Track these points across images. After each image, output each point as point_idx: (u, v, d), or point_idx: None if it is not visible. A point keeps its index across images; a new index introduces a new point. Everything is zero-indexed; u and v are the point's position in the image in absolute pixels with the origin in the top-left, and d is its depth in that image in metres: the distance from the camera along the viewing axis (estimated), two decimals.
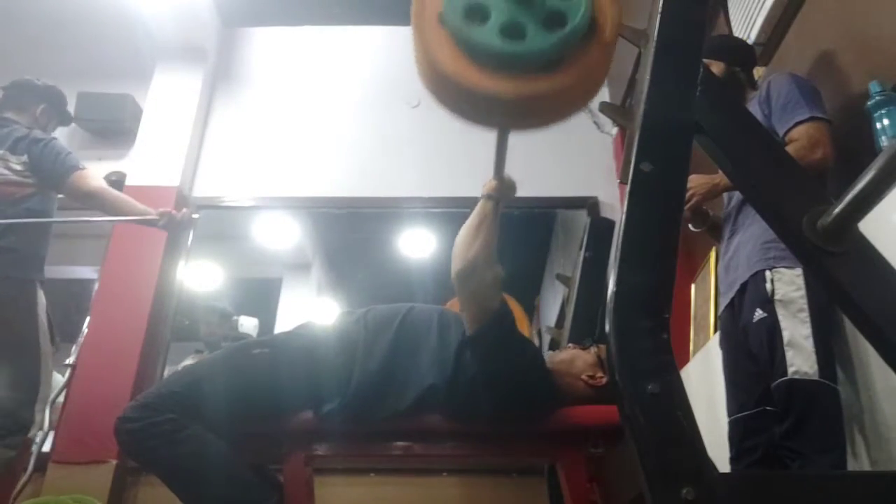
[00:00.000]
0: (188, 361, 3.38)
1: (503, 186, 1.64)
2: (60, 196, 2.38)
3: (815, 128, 1.68)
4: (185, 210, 2.51)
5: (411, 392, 1.57)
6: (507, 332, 1.61)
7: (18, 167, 2.23)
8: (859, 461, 1.50)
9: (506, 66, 0.91)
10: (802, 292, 1.61)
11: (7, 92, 2.46)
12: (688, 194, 1.84)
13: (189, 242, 3.56)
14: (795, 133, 1.69)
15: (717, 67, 1.93)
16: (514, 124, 1.22)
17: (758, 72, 2.24)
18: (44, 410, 2.16)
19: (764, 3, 2.24)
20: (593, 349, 1.78)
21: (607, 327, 0.75)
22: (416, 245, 4.86)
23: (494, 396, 1.57)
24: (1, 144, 2.25)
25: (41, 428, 2.16)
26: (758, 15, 2.29)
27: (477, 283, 1.53)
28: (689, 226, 2.08)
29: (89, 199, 2.36)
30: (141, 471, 2.72)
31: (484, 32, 0.90)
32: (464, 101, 0.97)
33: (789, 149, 1.62)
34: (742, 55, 2.04)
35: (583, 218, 3.47)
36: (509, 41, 0.89)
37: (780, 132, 1.73)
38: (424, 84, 1.00)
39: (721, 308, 1.93)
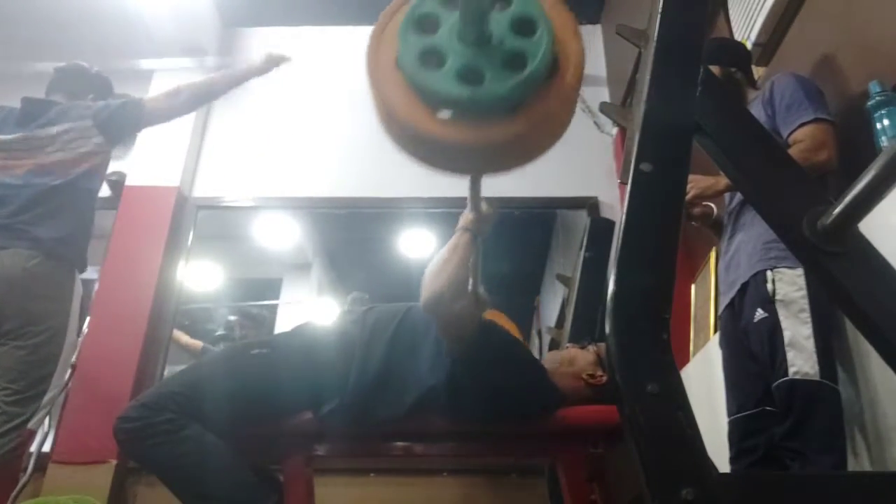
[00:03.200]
0: None
1: (480, 219, 1.60)
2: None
3: (819, 129, 1.67)
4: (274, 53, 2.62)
5: (411, 394, 1.57)
6: (490, 353, 1.58)
7: (68, 139, 2.20)
8: (859, 461, 1.50)
9: (463, 113, 0.86)
10: (803, 292, 1.61)
11: (59, 75, 2.45)
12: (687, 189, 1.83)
13: (189, 242, 3.57)
14: (800, 134, 1.69)
15: (713, 71, 1.92)
16: (476, 171, 1.19)
17: (758, 72, 2.24)
18: (51, 402, 2.14)
19: (764, 3, 2.24)
20: (592, 348, 1.78)
21: (607, 327, 0.75)
22: (416, 245, 4.86)
23: (494, 404, 1.57)
24: (50, 123, 2.23)
25: (42, 423, 2.14)
26: (758, 15, 2.29)
27: (444, 314, 1.51)
28: (692, 223, 2.08)
29: (173, 108, 2.43)
30: (141, 471, 2.72)
31: (440, 78, 0.85)
32: (423, 149, 0.92)
33: (793, 150, 1.62)
34: (736, 55, 2.04)
35: (583, 218, 3.47)
36: (465, 86, 0.84)
37: (784, 133, 1.73)
38: (384, 131, 0.96)
39: (721, 308, 1.92)
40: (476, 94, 0.84)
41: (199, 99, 2.51)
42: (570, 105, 0.93)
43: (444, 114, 0.86)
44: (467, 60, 0.85)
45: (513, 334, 1.72)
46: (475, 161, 0.97)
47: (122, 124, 2.33)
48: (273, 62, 2.63)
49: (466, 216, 1.61)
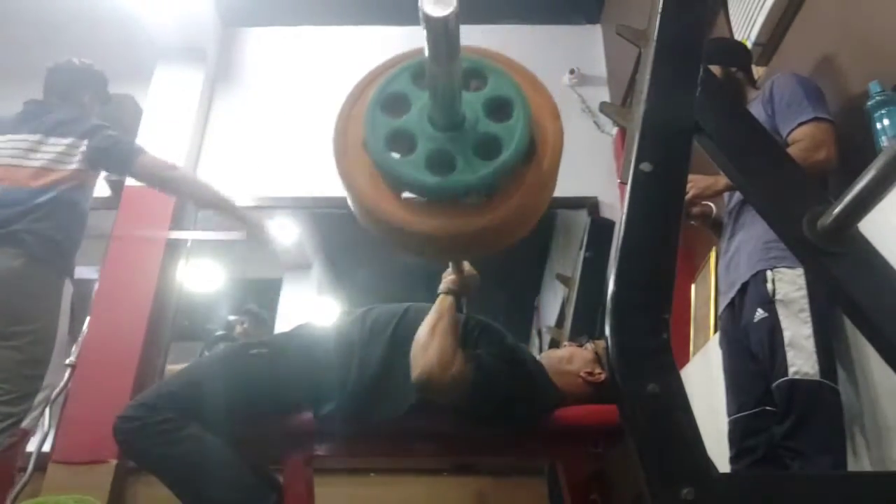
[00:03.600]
0: None
1: (463, 281, 1.59)
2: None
3: (819, 128, 1.67)
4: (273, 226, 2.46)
5: (411, 395, 1.57)
6: (490, 392, 1.53)
7: (62, 151, 2.20)
8: (859, 461, 1.50)
9: (433, 201, 0.82)
10: (803, 292, 1.61)
11: (50, 77, 2.44)
12: (687, 188, 1.83)
13: (189, 242, 3.57)
14: (799, 133, 1.69)
15: (714, 71, 1.92)
16: (451, 259, 1.15)
17: (758, 72, 2.24)
18: (45, 401, 2.14)
19: (764, 3, 2.24)
20: (590, 346, 1.78)
21: (607, 327, 0.75)
22: None
23: (494, 410, 1.56)
24: (45, 130, 2.23)
25: (38, 422, 2.14)
26: (758, 15, 2.29)
27: (436, 386, 1.48)
28: (691, 222, 2.08)
29: (162, 182, 2.37)
30: (141, 471, 2.72)
31: (408, 165, 0.80)
32: (390, 236, 0.87)
33: (792, 149, 1.62)
34: (736, 55, 2.04)
35: (583, 218, 3.47)
36: (435, 174, 0.79)
37: (784, 133, 1.73)
38: (355, 214, 0.90)
39: (721, 308, 1.92)
40: (446, 183, 0.79)
41: (186, 189, 2.45)
42: (545, 193, 0.88)
43: (412, 198, 0.82)
44: (438, 146, 0.80)
45: (510, 337, 1.71)
46: (446, 250, 0.93)
47: (111, 162, 2.32)
48: (264, 237, 2.40)
49: (448, 278, 1.61)
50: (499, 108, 0.83)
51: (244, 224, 2.37)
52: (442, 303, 1.58)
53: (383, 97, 0.84)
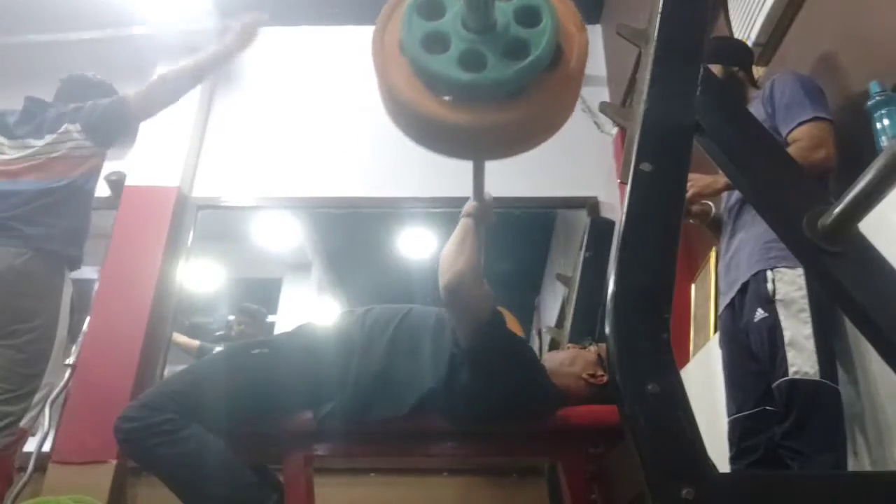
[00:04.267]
0: None
1: (482, 208, 1.62)
2: None
3: (818, 128, 1.67)
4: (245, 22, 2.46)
5: (410, 395, 1.57)
6: (500, 343, 1.58)
7: (60, 142, 2.20)
8: (859, 461, 1.50)
9: (465, 97, 0.88)
10: (804, 292, 1.60)
11: (63, 85, 2.46)
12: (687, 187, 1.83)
13: (189, 242, 3.57)
14: (798, 133, 1.69)
15: (715, 70, 1.92)
16: (477, 155, 1.21)
17: (758, 72, 2.24)
18: (44, 401, 2.14)
19: (764, 3, 2.24)
20: (593, 348, 1.79)
21: (607, 328, 0.75)
22: (416, 245, 4.86)
23: (493, 402, 1.57)
24: (48, 129, 2.23)
25: (37, 421, 2.14)
26: (758, 15, 2.29)
27: (465, 295, 1.50)
28: (690, 220, 2.08)
29: (161, 97, 2.38)
30: (141, 471, 2.72)
31: (442, 62, 0.87)
32: (424, 132, 0.94)
33: (792, 149, 1.62)
34: (738, 55, 2.04)
35: (583, 218, 3.47)
36: (468, 71, 0.86)
37: (783, 132, 1.73)
38: (387, 113, 0.98)
39: (721, 308, 1.92)
40: (477, 79, 0.86)
41: (188, 82, 2.43)
42: (571, 94, 0.94)
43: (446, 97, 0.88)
44: (471, 45, 0.87)
45: (517, 333, 1.73)
46: (474, 144, 0.98)
47: (109, 126, 2.31)
48: (250, 29, 2.44)
49: (469, 204, 1.63)
50: (528, 16, 0.89)
51: (237, 45, 2.43)
52: (465, 225, 1.60)
53: (419, 3, 0.90)
